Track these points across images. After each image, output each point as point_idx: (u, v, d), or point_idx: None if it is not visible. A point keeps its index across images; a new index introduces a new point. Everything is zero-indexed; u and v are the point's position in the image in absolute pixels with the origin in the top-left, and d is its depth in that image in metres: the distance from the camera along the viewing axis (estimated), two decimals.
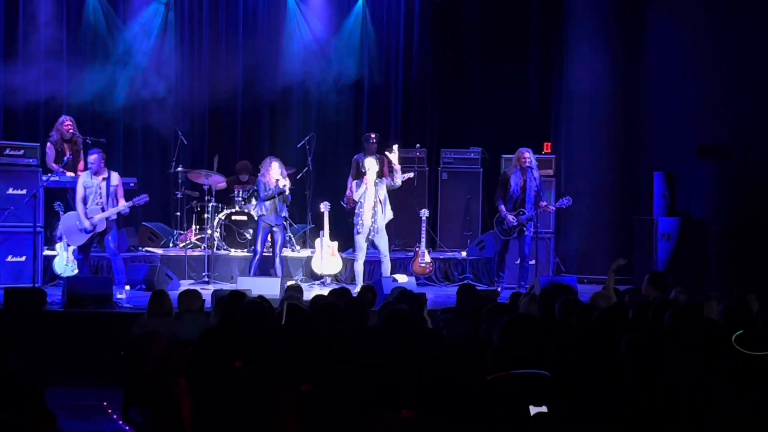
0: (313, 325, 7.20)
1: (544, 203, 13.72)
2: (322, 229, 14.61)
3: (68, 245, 13.60)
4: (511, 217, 13.55)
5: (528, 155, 13.66)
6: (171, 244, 16.18)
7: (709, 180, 15.29)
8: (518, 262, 13.96)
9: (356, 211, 13.57)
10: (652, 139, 16.16)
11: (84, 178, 12.91)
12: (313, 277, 14.86)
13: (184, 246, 15.64)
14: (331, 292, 9.44)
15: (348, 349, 6.62)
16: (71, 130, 14.65)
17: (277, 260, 14.01)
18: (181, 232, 16.18)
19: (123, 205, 12.91)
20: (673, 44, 15.73)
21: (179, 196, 15.95)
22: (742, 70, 14.62)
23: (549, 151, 16.11)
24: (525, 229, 13.69)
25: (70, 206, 13.80)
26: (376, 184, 13.52)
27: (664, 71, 15.92)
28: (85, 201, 12.75)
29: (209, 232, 14.97)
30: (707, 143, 15.17)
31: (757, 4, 14.49)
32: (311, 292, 12.58)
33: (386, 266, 13.64)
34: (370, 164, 13.62)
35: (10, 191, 13.34)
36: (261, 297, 8.44)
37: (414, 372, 5.41)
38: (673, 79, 15.73)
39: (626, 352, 5.03)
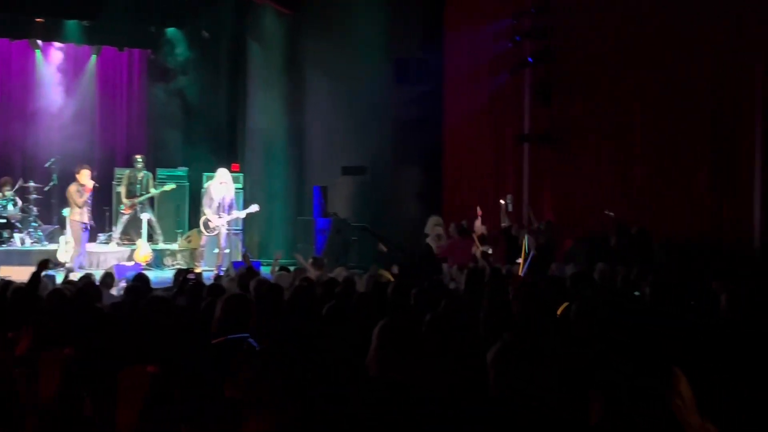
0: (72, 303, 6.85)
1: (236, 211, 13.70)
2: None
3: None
4: (215, 219, 13.35)
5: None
6: None
7: (350, 189, 15.83)
8: (216, 251, 13.74)
9: None
10: (310, 161, 16.53)
11: None
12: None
13: None
14: (80, 278, 8.95)
15: (99, 318, 6.33)
16: None
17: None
18: None
19: None
20: (323, 93, 16.04)
21: None
22: (368, 113, 15.21)
23: (237, 169, 15.85)
24: (223, 227, 13.53)
25: None
26: None
27: (317, 112, 16.26)
28: None
29: None
30: (349, 164, 15.73)
31: (371, 68, 15.10)
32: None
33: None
34: None
35: None
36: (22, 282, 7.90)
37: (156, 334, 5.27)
38: (323, 119, 16.08)
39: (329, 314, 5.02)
